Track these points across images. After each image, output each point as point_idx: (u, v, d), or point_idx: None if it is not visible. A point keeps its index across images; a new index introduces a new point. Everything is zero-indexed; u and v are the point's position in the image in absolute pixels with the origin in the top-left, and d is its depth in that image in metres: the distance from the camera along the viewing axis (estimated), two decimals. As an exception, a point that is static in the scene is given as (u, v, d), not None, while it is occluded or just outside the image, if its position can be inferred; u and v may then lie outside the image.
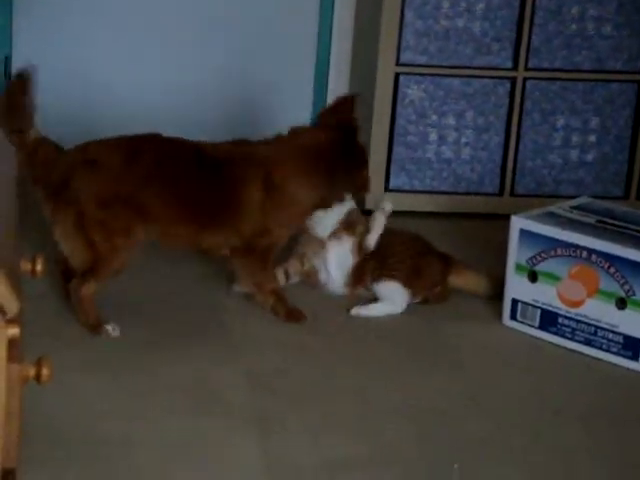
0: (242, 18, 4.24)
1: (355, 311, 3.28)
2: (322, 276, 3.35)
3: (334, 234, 3.32)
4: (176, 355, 2.96)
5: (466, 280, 3.40)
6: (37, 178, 2.99)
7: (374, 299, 3.31)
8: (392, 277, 3.29)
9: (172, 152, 3.07)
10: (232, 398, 2.78)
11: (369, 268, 3.32)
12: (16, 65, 4.15)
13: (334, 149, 3.15)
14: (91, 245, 2.98)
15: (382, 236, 3.34)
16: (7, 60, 4.16)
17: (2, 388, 1.52)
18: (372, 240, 3.32)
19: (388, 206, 3.39)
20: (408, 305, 3.32)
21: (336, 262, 3.33)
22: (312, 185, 3.13)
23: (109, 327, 3.00)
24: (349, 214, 3.34)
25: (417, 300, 3.34)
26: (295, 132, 3.18)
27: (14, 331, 1.52)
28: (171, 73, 4.26)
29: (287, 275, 3.37)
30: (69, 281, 3.07)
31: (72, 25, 4.18)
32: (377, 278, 3.30)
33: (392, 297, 3.30)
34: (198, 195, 3.06)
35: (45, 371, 1.59)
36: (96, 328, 3.01)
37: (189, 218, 3.06)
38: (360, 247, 3.32)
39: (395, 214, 3.91)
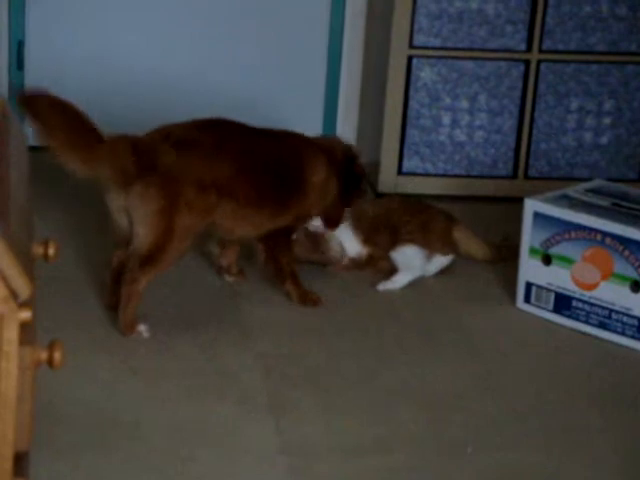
0: (256, 3, 4.23)
1: (382, 287, 3.30)
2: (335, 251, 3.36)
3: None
4: (190, 339, 2.96)
5: (467, 239, 3.43)
6: (112, 166, 2.85)
7: (393, 271, 3.33)
8: (407, 241, 3.31)
9: (254, 135, 3.09)
10: (246, 382, 2.78)
11: (384, 240, 3.33)
12: (29, 49, 4.15)
13: (346, 167, 3.24)
14: (170, 229, 2.87)
15: (382, 207, 3.40)
16: (20, 45, 4.16)
17: (14, 371, 1.52)
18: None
19: None
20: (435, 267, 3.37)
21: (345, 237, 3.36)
22: (337, 184, 3.20)
23: (142, 328, 2.94)
24: None
25: (434, 256, 3.35)
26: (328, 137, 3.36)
27: (26, 314, 1.52)
28: (187, 57, 4.26)
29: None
30: (118, 280, 2.98)
31: (85, 9, 4.17)
32: (393, 245, 3.32)
33: (411, 262, 3.32)
34: (278, 178, 3.07)
35: (57, 355, 1.59)
36: (130, 327, 2.92)
37: (270, 201, 3.06)
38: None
39: (409, 197, 3.91)
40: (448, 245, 3.39)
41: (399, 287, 3.31)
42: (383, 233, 3.35)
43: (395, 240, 3.33)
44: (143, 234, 2.87)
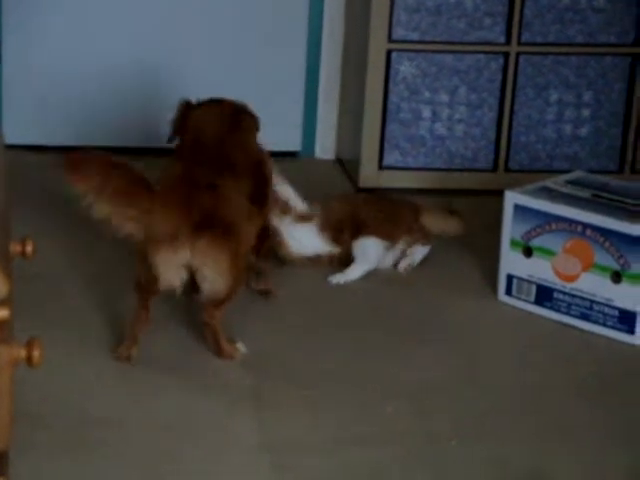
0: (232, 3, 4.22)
1: (335, 279, 3.32)
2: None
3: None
4: (170, 336, 2.95)
5: (436, 219, 3.45)
6: (172, 230, 2.76)
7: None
8: (368, 233, 3.34)
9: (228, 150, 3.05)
10: (229, 379, 2.78)
11: (349, 239, 3.36)
12: (6, 55, 4.13)
13: None
14: (241, 268, 2.87)
15: (349, 204, 3.41)
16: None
17: (-8, 370, 1.51)
18: (299, 204, 3.35)
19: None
20: (393, 259, 3.39)
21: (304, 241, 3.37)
22: None
23: (239, 345, 2.91)
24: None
25: (400, 247, 3.38)
26: None
27: (3, 313, 1.51)
28: (166, 50, 4.25)
29: None
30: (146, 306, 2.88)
31: (61, 7, 4.15)
32: (355, 239, 3.35)
33: (366, 253, 3.34)
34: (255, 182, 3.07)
35: (36, 353, 1.57)
36: (232, 354, 2.88)
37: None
38: (303, 217, 3.36)
39: (390, 192, 3.91)
40: (421, 234, 3.41)
41: (351, 279, 3.33)
42: (348, 232, 3.36)
43: (357, 233, 3.35)
44: (220, 282, 2.82)
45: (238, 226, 2.84)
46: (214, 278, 2.81)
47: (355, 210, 3.40)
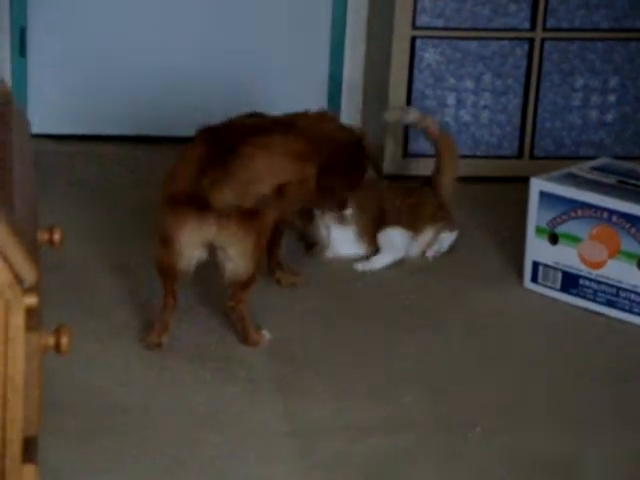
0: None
1: (361, 266, 3.32)
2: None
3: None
4: (196, 324, 2.96)
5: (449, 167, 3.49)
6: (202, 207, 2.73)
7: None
8: (393, 224, 3.34)
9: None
10: (254, 366, 2.79)
11: (374, 230, 3.36)
12: (31, 36, 4.15)
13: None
14: (262, 252, 2.87)
15: (373, 194, 3.37)
16: (23, 31, 4.15)
17: (21, 357, 1.52)
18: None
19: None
20: (420, 247, 3.39)
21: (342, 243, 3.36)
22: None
23: (265, 332, 2.92)
24: None
25: (426, 236, 3.38)
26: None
27: (32, 300, 1.52)
28: (189, 46, 4.25)
29: None
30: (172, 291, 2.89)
31: (86, 5, 4.16)
32: (380, 228, 3.35)
33: (392, 243, 3.34)
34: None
35: (64, 340, 1.58)
36: (258, 340, 2.89)
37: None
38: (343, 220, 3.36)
39: (414, 179, 3.90)
40: (446, 221, 3.41)
41: (377, 268, 3.32)
42: (374, 224, 3.36)
43: (382, 225, 3.34)
44: (244, 266, 2.82)
45: (268, 212, 2.82)
46: (237, 263, 2.81)
47: (379, 200, 3.39)
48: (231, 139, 2.81)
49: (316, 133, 2.97)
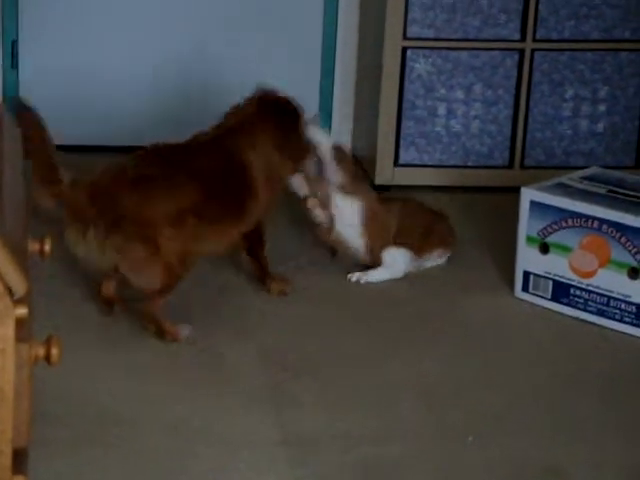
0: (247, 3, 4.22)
1: (354, 277, 3.30)
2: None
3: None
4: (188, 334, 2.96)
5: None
6: (83, 220, 2.83)
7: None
8: (401, 244, 3.33)
9: (195, 152, 3.02)
10: (246, 375, 2.79)
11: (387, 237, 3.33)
12: (23, 48, 4.15)
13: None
14: (168, 266, 2.86)
15: (394, 206, 3.37)
16: (14, 44, 4.15)
17: (11, 368, 1.52)
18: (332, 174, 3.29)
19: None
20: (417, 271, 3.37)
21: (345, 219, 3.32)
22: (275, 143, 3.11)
23: (184, 328, 2.93)
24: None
25: (429, 259, 3.40)
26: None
27: (22, 311, 1.52)
28: (183, 54, 4.26)
29: None
30: (111, 305, 3.00)
31: (78, 8, 4.16)
32: (386, 246, 3.33)
33: (394, 263, 3.33)
34: (230, 188, 3.01)
35: (55, 351, 1.58)
36: (174, 333, 2.91)
37: (229, 210, 3.02)
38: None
39: (406, 189, 3.91)
40: (453, 246, 3.42)
41: (371, 282, 3.31)
42: (384, 238, 3.34)
43: (393, 242, 3.33)
44: (139, 280, 2.87)
45: (163, 225, 2.82)
46: (137, 278, 2.86)
47: (396, 218, 3.35)
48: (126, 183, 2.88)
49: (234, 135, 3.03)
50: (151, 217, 2.84)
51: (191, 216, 2.89)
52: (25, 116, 2.79)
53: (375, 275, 3.33)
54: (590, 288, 3.13)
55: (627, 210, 3.08)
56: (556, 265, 3.18)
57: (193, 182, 2.93)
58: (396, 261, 3.33)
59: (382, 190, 3.92)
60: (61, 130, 4.23)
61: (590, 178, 3.30)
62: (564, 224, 3.15)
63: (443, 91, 4.00)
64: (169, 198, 2.89)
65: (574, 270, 3.16)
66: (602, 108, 4.06)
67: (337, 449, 2.49)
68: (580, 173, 3.36)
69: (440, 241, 3.41)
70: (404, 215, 3.37)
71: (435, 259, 3.43)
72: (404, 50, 3.95)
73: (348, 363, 2.87)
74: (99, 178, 2.92)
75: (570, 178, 3.30)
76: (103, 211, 2.83)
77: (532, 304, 3.23)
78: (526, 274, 3.24)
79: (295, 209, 3.46)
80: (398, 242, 3.33)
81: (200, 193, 2.92)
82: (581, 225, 3.12)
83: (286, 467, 2.43)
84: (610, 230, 3.08)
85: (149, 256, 2.83)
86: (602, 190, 3.21)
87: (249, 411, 2.63)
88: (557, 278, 3.18)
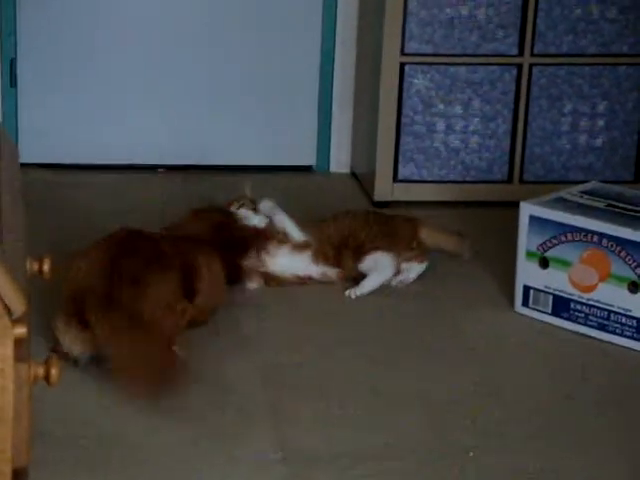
0: (245, 13, 4.23)
1: (352, 293, 3.31)
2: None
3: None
4: (189, 351, 2.95)
5: (434, 235, 3.45)
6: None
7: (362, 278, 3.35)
8: (372, 249, 3.33)
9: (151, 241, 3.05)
10: (245, 392, 2.78)
11: (347, 256, 3.34)
12: (21, 67, 4.16)
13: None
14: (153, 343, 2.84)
15: (342, 222, 3.39)
16: (13, 63, 4.16)
17: (10, 388, 1.52)
18: (296, 234, 3.34)
19: (267, 204, 3.40)
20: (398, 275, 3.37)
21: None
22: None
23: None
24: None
25: (400, 264, 3.37)
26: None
27: (21, 331, 1.52)
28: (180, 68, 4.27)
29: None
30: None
31: (76, 25, 4.17)
32: (359, 259, 3.34)
33: (379, 265, 3.33)
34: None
35: (54, 371, 1.58)
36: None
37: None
38: (299, 247, 3.35)
39: (405, 204, 3.91)
40: (418, 252, 3.41)
41: (368, 291, 3.31)
42: (349, 253, 3.35)
43: (360, 255, 3.34)
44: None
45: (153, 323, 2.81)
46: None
47: (355, 230, 3.38)
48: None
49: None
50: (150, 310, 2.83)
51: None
52: None
53: (368, 284, 3.33)
54: (590, 302, 3.13)
55: (627, 224, 3.08)
56: (556, 280, 3.18)
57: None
58: (379, 263, 3.34)
59: (381, 206, 3.93)
60: (59, 148, 4.26)
61: (589, 192, 3.30)
62: (564, 239, 3.15)
63: (441, 106, 4.01)
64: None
65: (574, 284, 3.15)
66: (601, 123, 4.06)
67: (338, 467, 2.48)
68: (579, 187, 3.36)
69: (407, 244, 3.40)
70: (365, 225, 3.38)
71: (413, 268, 3.40)
72: (402, 66, 3.95)
73: (347, 380, 2.86)
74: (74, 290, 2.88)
75: (569, 192, 3.30)
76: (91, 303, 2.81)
77: (532, 319, 3.22)
78: (526, 289, 3.24)
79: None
80: (369, 250, 3.33)
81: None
82: (581, 239, 3.12)
83: (287, 485, 2.42)
84: (610, 244, 3.08)
85: (146, 348, 2.79)
86: (601, 204, 3.21)
87: (249, 428, 2.62)
88: (557, 293, 3.18)
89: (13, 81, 4.16)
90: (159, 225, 3.34)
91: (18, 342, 1.52)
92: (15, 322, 1.52)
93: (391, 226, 3.42)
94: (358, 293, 3.32)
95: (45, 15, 4.14)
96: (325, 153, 4.36)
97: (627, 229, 3.05)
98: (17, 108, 4.19)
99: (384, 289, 3.36)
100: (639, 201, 3.22)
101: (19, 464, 1.58)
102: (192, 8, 4.21)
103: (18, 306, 1.52)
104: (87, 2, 4.16)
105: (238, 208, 3.41)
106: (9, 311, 1.51)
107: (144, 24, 4.20)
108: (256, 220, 3.37)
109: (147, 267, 2.91)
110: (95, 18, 4.17)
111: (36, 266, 1.90)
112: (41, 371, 1.58)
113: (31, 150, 4.10)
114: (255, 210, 3.40)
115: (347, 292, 3.33)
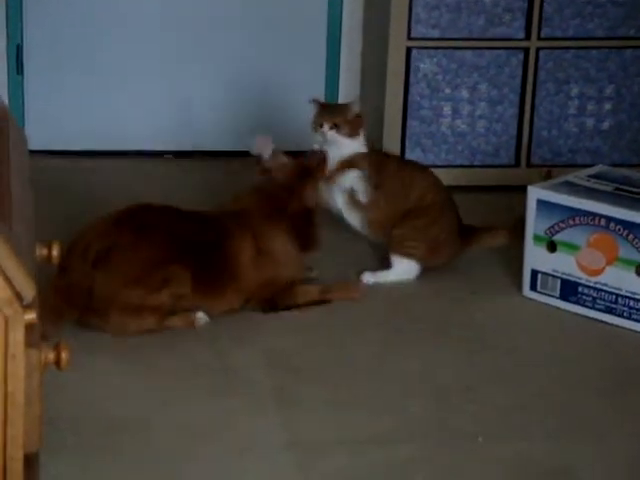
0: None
1: (366, 278, 3.30)
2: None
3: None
4: (195, 337, 2.96)
5: (484, 242, 3.42)
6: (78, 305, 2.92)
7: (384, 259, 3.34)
8: (409, 255, 3.31)
9: (177, 221, 3.05)
10: (252, 378, 2.79)
11: (389, 230, 3.32)
12: (28, 53, 4.16)
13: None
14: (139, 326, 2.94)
15: (426, 205, 3.35)
16: (19, 49, 4.16)
17: (21, 373, 1.52)
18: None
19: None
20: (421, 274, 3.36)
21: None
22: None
23: (199, 315, 2.98)
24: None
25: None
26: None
27: (31, 316, 1.52)
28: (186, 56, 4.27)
29: None
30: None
31: (84, 11, 4.17)
32: (395, 249, 3.31)
33: (404, 270, 3.33)
34: (205, 263, 3.02)
35: (64, 356, 1.59)
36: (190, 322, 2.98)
37: (204, 286, 3.02)
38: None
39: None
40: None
41: (382, 282, 3.30)
42: (397, 227, 3.32)
43: (400, 246, 3.30)
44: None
45: (131, 295, 2.89)
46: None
47: (427, 210, 3.34)
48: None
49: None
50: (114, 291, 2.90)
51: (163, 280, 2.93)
52: None
53: (384, 277, 3.32)
54: (598, 286, 3.13)
55: (634, 208, 3.07)
56: (564, 263, 3.17)
57: (162, 252, 2.97)
58: (405, 270, 3.32)
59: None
60: (67, 135, 4.26)
61: (597, 176, 3.29)
62: (571, 222, 3.15)
63: (448, 91, 4.00)
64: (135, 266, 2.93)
65: (582, 268, 3.15)
66: (608, 106, 4.05)
67: (344, 453, 2.49)
68: (587, 171, 3.35)
69: (451, 254, 3.37)
70: (433, 223, 3.33)
71: None
72: (409, 50, 3.95)
73: (354, 366, 2.87)
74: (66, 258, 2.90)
75: (577, 176, 3.30)
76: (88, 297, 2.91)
77: (540, 303, 3.22)
78: (534, 273, 3.24)
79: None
80: (410, 253, 3.29)
81: (169, 262, 2.95)
82: (588, 223, 3.12)
83: (293, 471, 2.43)
84: (617, 228, 3.07)
85: (130, 321, 2.92)
86: (609, 188, 3.20)
87: (255, 414, 2.62)
88: (565, 276, 3.18)
89: (20, 68, 4.16)
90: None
91: (28, 327, 1.53)
92: (26, 308, 1.52)
93: (443, 237, 3.34)
94: (371, 281, 3.31)
95: (51, 0, 4.14)
96: (332, 138, 4.35)
97: (635, 212, 3.05)
98: (24, 95, 4.19)
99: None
100: (647, 184, 3.22)
101: (30, 449, 1.58)
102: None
103: (28, 292, 1.52)
104: (93, -12, 4.16)
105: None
106: (20, 297, 1.52)
107: (153, 6, 4.20)
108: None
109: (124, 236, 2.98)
110: (102, 3, 4.16)
111: (45, 251, 1.91)
112: (51, 356, 1.59)
113: (38, 137, 4.09)
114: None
115: (363, 277, 3.31)
